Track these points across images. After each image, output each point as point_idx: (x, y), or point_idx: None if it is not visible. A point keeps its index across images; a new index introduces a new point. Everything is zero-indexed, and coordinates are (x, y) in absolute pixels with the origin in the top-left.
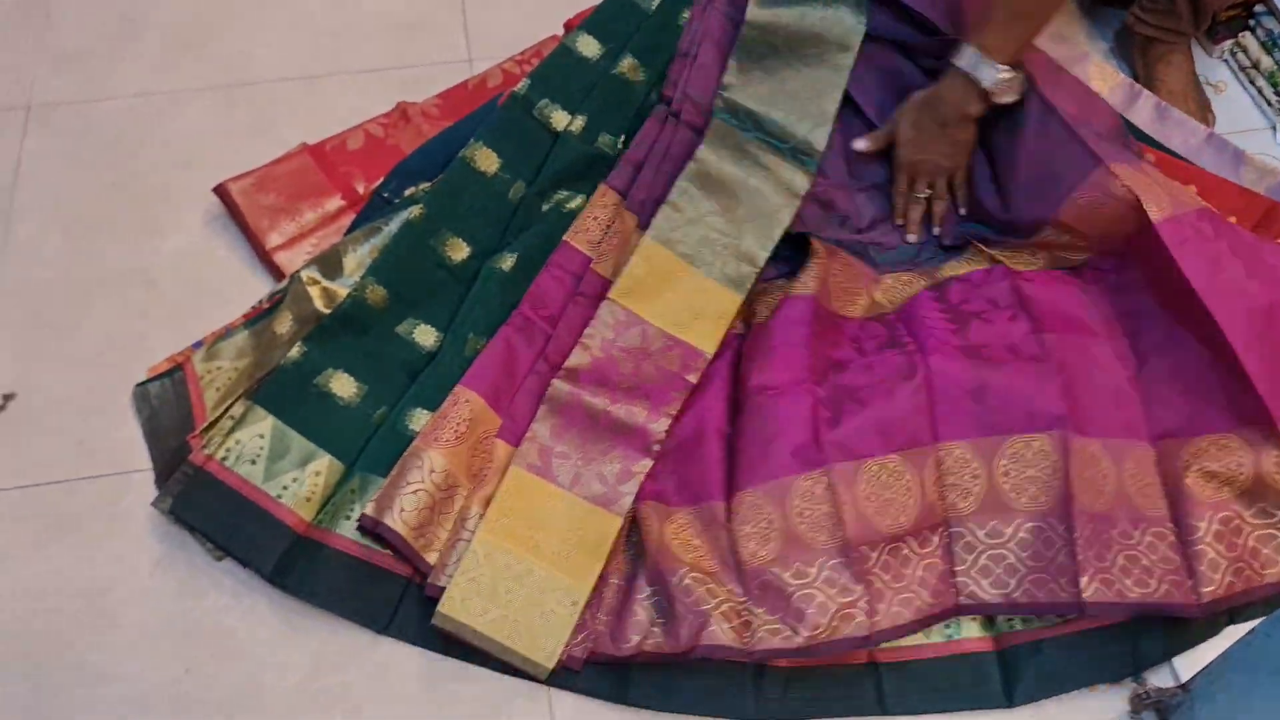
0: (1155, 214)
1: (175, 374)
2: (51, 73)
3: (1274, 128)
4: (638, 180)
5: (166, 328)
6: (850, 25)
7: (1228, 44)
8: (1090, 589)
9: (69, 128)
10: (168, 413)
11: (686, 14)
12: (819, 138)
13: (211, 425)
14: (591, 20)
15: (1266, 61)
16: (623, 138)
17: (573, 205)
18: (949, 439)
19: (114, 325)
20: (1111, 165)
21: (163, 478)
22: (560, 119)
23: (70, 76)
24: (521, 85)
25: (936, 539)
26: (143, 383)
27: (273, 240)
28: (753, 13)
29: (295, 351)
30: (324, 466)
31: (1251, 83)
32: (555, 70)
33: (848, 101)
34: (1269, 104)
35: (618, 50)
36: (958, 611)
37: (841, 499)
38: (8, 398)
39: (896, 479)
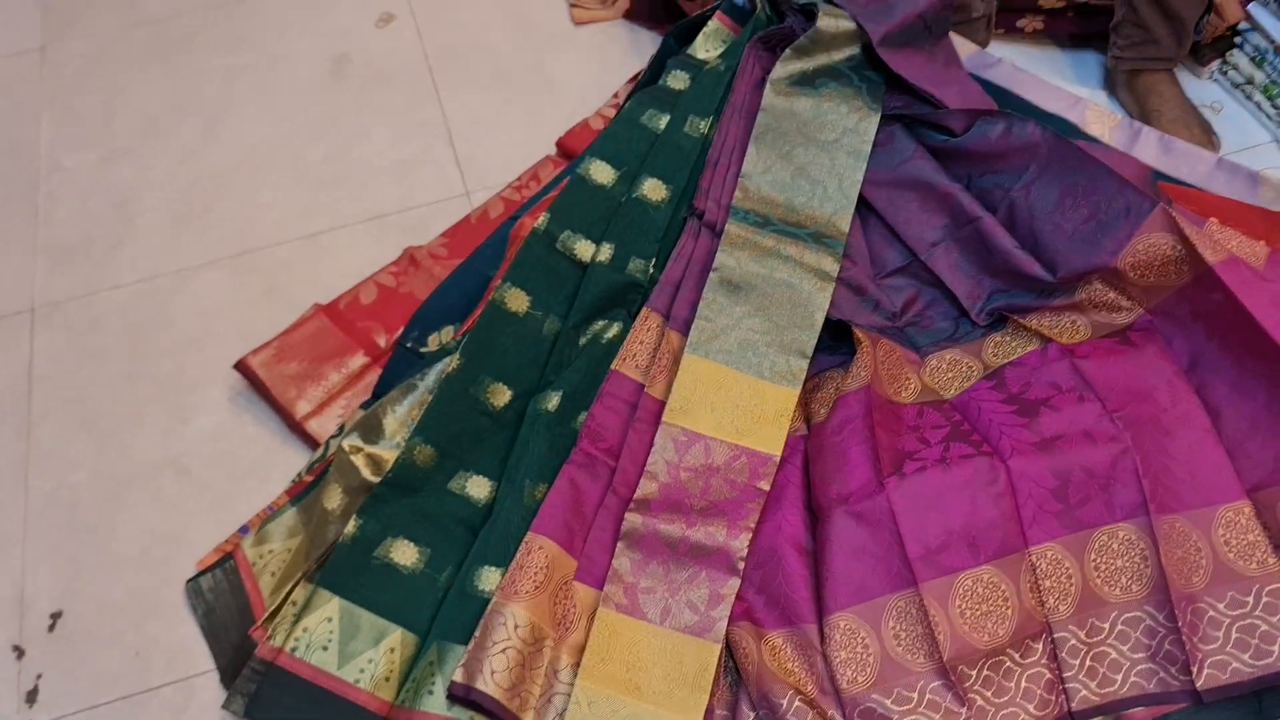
0: (1211, 257)
1: (226, 564)
2: (50, 270)
3: (1278, 140)
4: (678, 298)
5: (207, 516)
6: (866, 109)
7: (1215, 64)
8: (1203, 677)
9: (76, 323)
10: (224, 606)
11: (703, 125)
12: (843, 220)
13: (274, 614)
14: (600, 146)
15: (1259, 76)
16: (653, 261)
17: (610, 334)
18: (1039, 542)
19: (153, 521)
20: (1164, 207)
21: (229, 676)
22: (585, 249)
23: (70, 271)
24: (541, 220)
25: (1040, 647)
26: (193, 578)
27: (302, 409)
28: (769, 100)
29: (351, 526)
30: (398, 642)
31: (1249, 99)
32: (573, 201)
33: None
34: (1269, 117)
35: (634, 173)
36: (1071, 718)
37: (935, 618)
38: (55, 616)
39: (992, 591)
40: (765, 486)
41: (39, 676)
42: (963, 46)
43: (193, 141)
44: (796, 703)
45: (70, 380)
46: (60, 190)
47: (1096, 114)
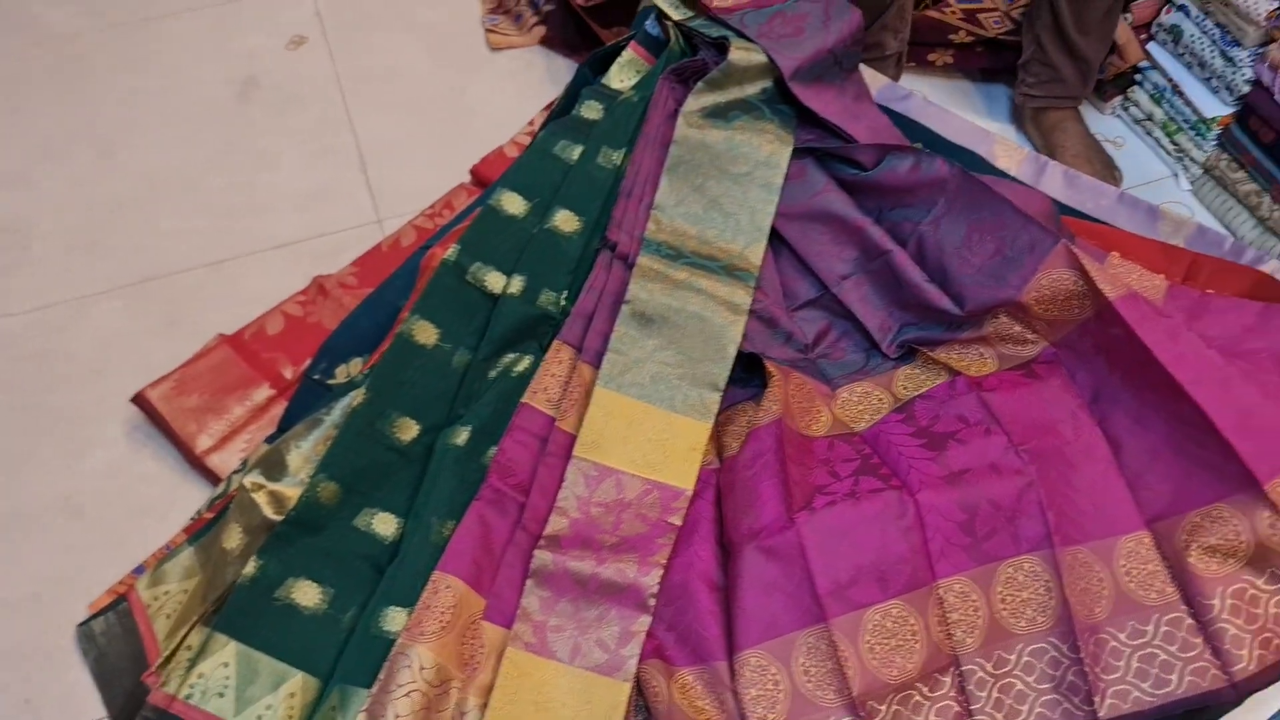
0: (1110, 292)
1: (119, 606)
2: None
3: (1176, 174)
4: (590, 330)
5: (102, 556)
6: (778, 142)
7: (1117, 100)
8: (1105, 707)
9: None
10: (117, 651)
11: (616, 157)
12: (755, 253)
13: (168, 659)
14: (512, 177)
15: (1159, 113)
16: (565, 293)
17: (521, 368)
18: (946, 575)
19: (42, 563)
20: (1066, 243)
21: None
22: (495, 281)
23: None
24: (451, 251)
25: (948, 680)
26: (84, 621)
27: (203, 443)
28: (681, 132)
29: (251, 567)
30: (299, 686)
31: (1149, 134)
32: (484, 232)
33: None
34: (1168, 153)
35: (547, 203)
36: None
37: (845, 654)
38: None
39: (901, 625)
40: (677, 521)
41: None
42: (874, 79)
43: (91, 165)
44: None
45: None
46: None
47: (1004, 148)
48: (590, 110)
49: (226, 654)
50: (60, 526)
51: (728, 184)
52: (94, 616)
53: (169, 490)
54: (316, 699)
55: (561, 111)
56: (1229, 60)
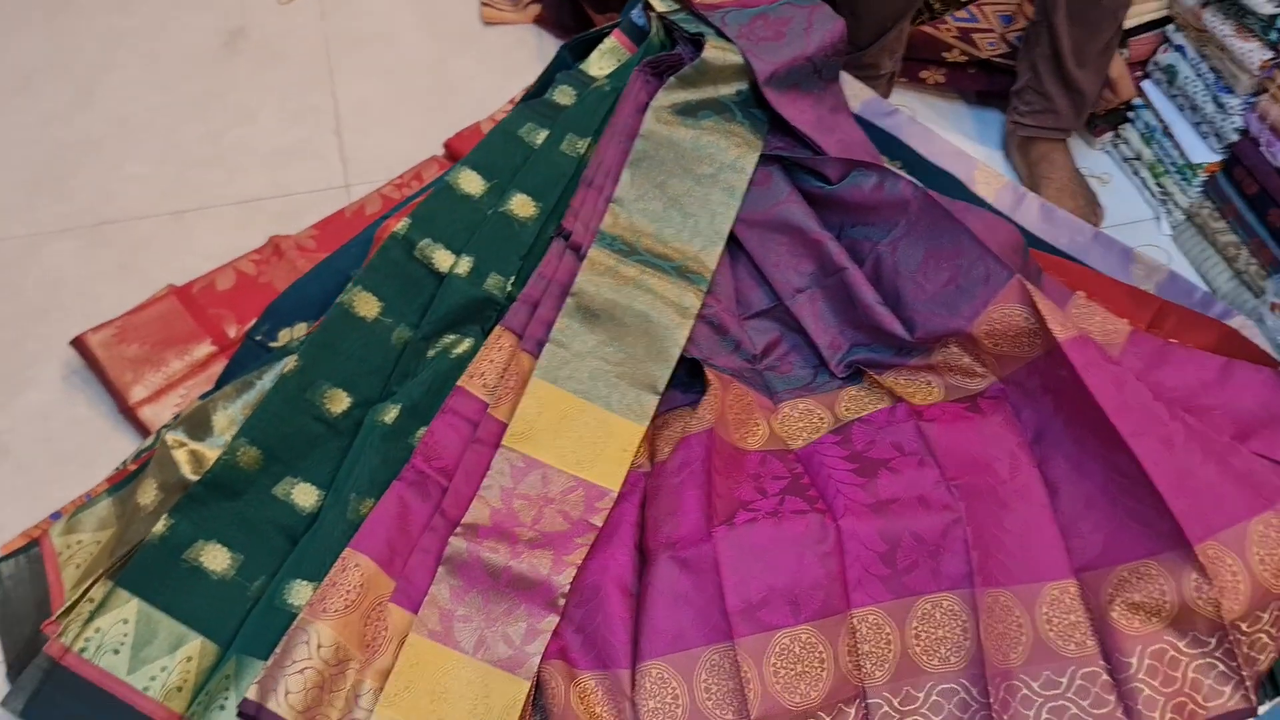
0: (1060, 334)
1: (31, 550)
2: None
3: (1158, 218)
4: (534, 319)
5: (21, 498)
6: (746, 146)
7: (1108, 136)
8: None
9: None
10: (22, 595)
11: (581, 145)
12: (710, 256)
13: (69, 610)
14: (474, 156)
15: (1147, 153)
16: (513, 279)
17: (460, 350)
18: (861, 605)
19: None
20: (1020, 279)
21: (16, 671)
22: (444, 259)
23: None
24: (402, 225)
25: (853, 712)
26: None
27: (137, 394)
28: (649, 126)
29: (161, 525)
30: (196, 651)
31: (1135, 173)
32: (437, 209)
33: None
34: (1153, 194)
35: (504, 186)
36: None
37: (747, 675)
38: None
39: (809, 652)
40: (598, 522)
41: None
42: (860, 92)
43: (65, 102)
44: None
45: None
46: None
47: (984, 174)
48: (563, 95)
49: (127, 611)
50: None
51: (690, 184)
52: (4, 558)
53: (98, 438)
54: (213, 665)
55: (535, 94)
56: (1220, 106)
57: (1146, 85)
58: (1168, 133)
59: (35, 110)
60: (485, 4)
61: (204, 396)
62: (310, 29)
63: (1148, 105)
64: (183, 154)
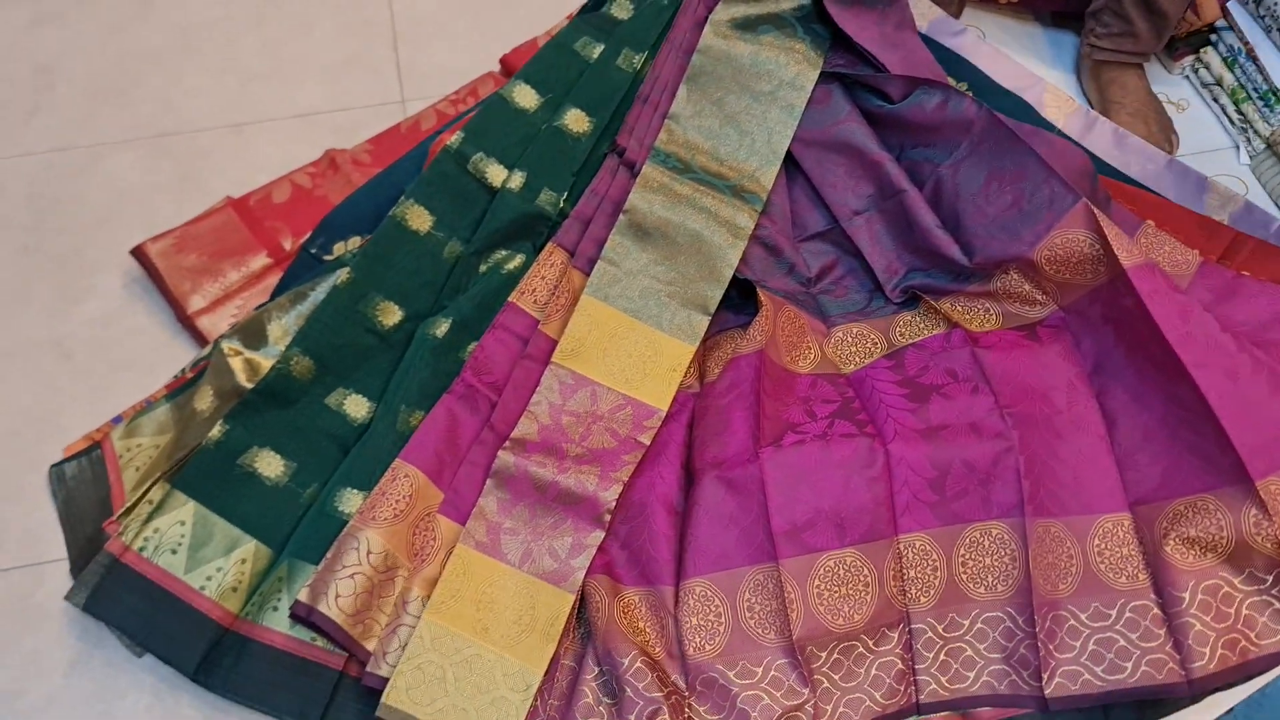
0: (1126, 260)
1: (93, 452)
2: None
3: (1238, 146)
4: (586, 236)
5: (84, 402)
6: (806, 63)
7: (1188, 60)
8: (1052, 685)
9: None
10: (84, 496)
11: (638, 60)
12: (766, 176)
13: (129, 510)
14: (529, 70)
15: (1229, 78)
16: (566, 195)
17: (512, 265)
18: (908, 530)
19: (27, 401)
20: (1086, 202)
21: (79, 568)
22: (497, 174)
23: None
24: (455, 139)
25: (896, 636)
26: (58, 463)
27: (195, 304)
28: (706, 41)
29: (217, 430)
30: (250, 553)
31: (1215, 100)
32: (490, 123)
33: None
34: (1232, 123)
35: (559, 101)
36: (918, 710)
37: (791, 596)
38: None
39: (853, 575)
40: (646, 440)
41: None
42: (928, 10)
43: (126, 13)
44: (639, 663)
45: None
46: None
47: (1054, 97)
48: (619, 9)
49: (184, 513)
50: (48, 368)
51: (748, 101)
52: (67, 460)
53: (157, 346)
54: (266, 568)
55: (592, 7)
56: None
57: (1232, 5)
58: (1252, 56)
59: (95, 20)
60: None
61: (260, 307)
62: None
63: (1232, 27)
64: (241, 66)
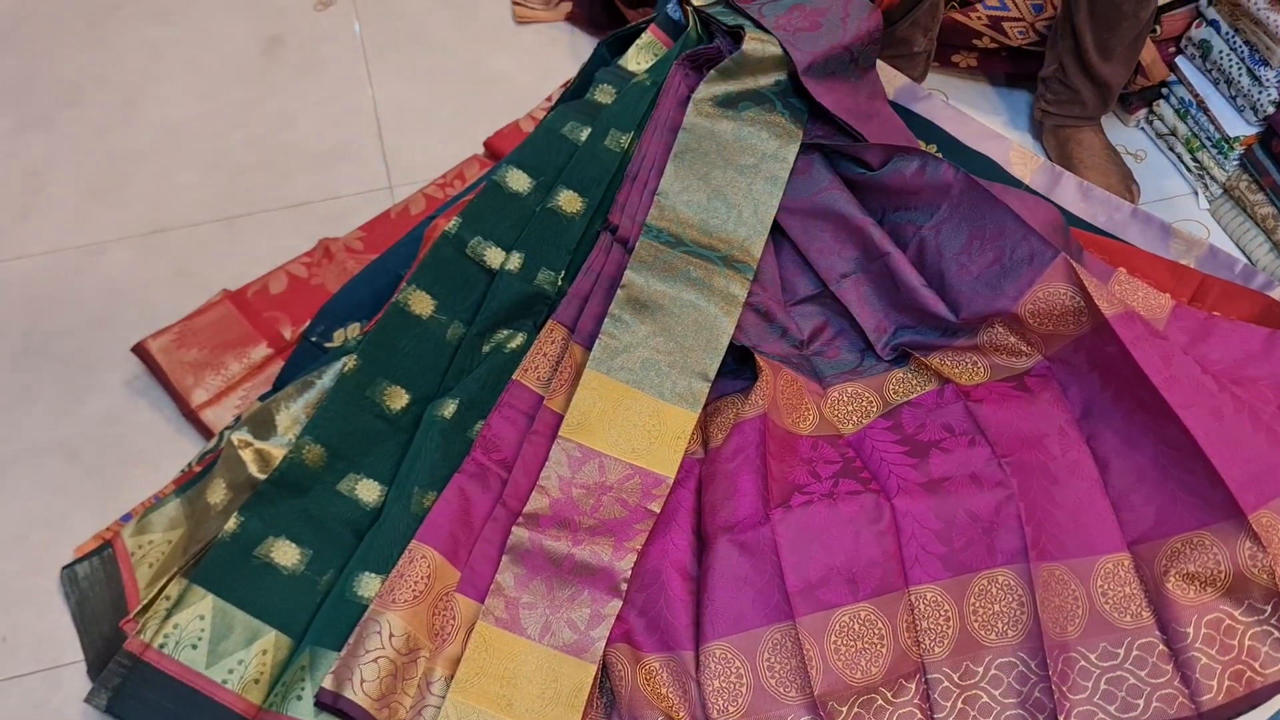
0: (1108, 310)
1: (104, 552)
2: None
3: (1196, 192)
4: (585, 312)
5: (92, 502)
6: (787, 136)
7: (1142, 113)
8: None
9: None
10: (98, 596)
11: (624, 140)
12: (755, 245)
13: (146, 608)
14: (520, 154)
15: (1183, 128)
16: (563, 273)
17: (514, 344)
18: (919, 582)
19: (34, 503)
20: (1065, 257)
21: (96, 669)
22: (495, 256)
23: None
24: (452, 224)
25: (913, 686)
26: (70, 564)
27: (198, 397)
28: (690, 119)
29: (232, 523)
30: (271, 644)
31: (1171, 149)
32: (486, 207)
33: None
34: (1189, 170)
35: (551, 183)
36: None
37: (810, 653)
38: None
39: (868, 629)
40: (656, 508)
41: None
42: (894, 78)
43: (113, 114)
44: None
45: None
46: None
47: (1020, 155)
48: (604, 94)
49: (203, 607)
50: (54, 469)
51: (733, 174)
52: (78, 561)
53: (163, 441)
54: (288, 658)
55: (576, 93)
56: (1256, 79)
57: (1180, 61)
58: (1203, 107)
59: (86, 121)
60: (517, 3)
61: (264, 397)
62: (345, 34)
63: (1181, 81)
64: (230, 160)
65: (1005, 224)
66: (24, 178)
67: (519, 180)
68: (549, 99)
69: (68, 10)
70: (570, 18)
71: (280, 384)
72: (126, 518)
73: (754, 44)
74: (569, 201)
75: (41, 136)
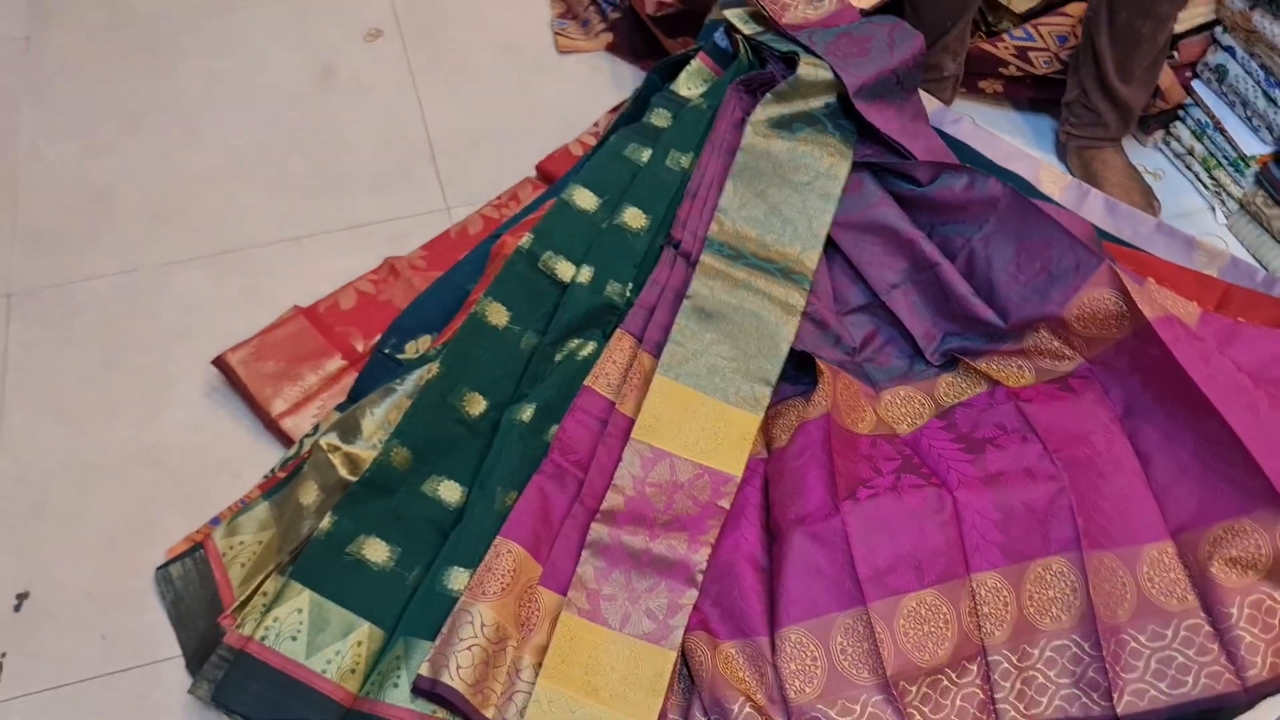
0: (1150, 313)
1: (196, 553)
2: (28, 257)
3: (1213, 208)
4: (651, 321)
5: (178, 507)
6: (838, 155)
7: (1159, 134)
8: (1123, 703)
9: (53, 312)
10: (193, 594)
11: (684, 160)
12: (811, 258)
13: (244, 604)
14: (585, 175)
15: (1199, 148)
16: (630, 285)
17: (585, 352)
18: (980, 569)
19: (123, 510)
20: (1110, 264)
21: (194, 663)
22: (565, 270)
23: (48, 259)
24: (525, 240)
25: (975, 668)
26: (163, 565)
27: (278, 407)
28: (748, 140)
29: (326, 522)
30: (365, 636)
31: (1188, 168)
32: (556, 224)
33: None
34: (1206, 187)
35: (616, 201)
36: None
37: (881, 636)
38: (21, 597)
39: (934, 613)
40: (726, 505)
41: (3, 655)
42: (927, 102)
43: (174, 140)
44: (747, 709)
45: (45, 368)
46: (40, 179)
47: (1049, 174)
48: (659, 118)
49: (301, 601)
50: (140, 477)
51: (788, 192)
52: (171, 562)
53: (243, 449)
54: (381, 648)
55: (632, 117)
56: (1271, 101)
57: (1196, 85)
58: (1219, 128)
59: (149, 148)
60: (558, 34)
61: (340, 407)
62: (395, 63)
63: (1198, 104)
64: (291, 184)
65: (1052, 235)
66: (92, 202)
67: (585, 198)
68: (596, 124)
69: (125, 45)
70: (610, 47)
71: (355, 394)
72: (214, 521)
73: (808, 69)
74: (634, 218)
75: (107, 161)
